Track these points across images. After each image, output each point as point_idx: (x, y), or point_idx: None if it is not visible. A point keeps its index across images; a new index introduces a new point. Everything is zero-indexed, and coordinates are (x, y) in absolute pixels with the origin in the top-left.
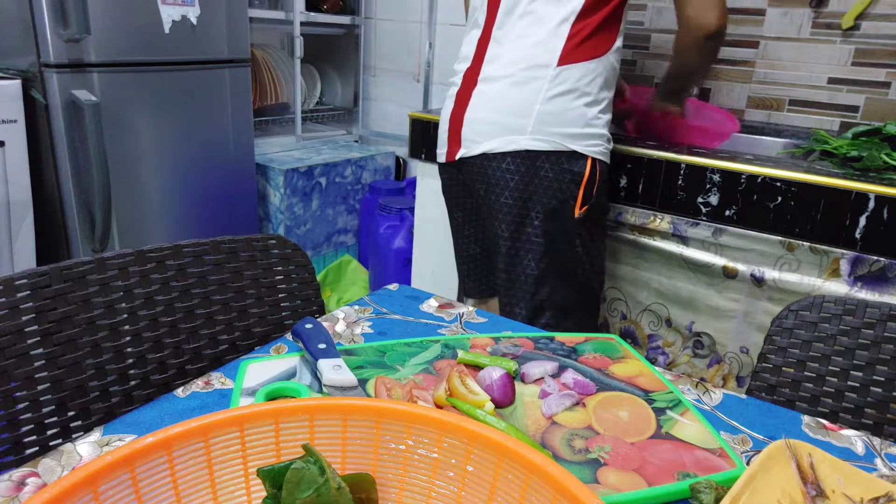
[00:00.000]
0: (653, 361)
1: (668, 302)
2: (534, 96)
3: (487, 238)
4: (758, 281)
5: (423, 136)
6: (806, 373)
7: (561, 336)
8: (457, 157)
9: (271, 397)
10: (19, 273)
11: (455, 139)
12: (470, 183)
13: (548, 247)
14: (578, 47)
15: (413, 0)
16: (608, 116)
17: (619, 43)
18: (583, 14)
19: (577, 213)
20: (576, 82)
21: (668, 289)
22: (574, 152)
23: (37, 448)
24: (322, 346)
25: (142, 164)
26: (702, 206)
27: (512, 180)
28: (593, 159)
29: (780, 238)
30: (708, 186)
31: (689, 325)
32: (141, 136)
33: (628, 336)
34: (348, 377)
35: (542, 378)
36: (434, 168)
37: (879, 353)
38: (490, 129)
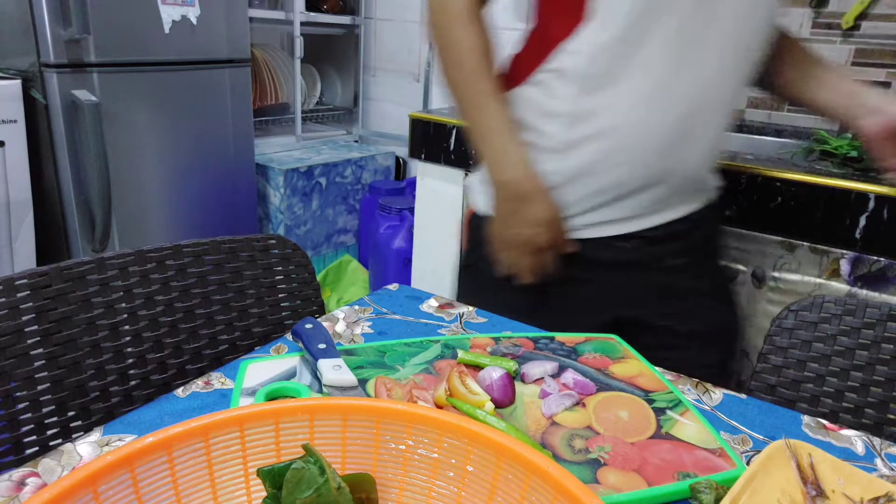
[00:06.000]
0: None
1: None
2: None
3: None
4: (758, 281)
5: (423, 136)
6: (806, 373)
7: (561, 336)
8: None
9: (271, 397)
10: (19, 273)
11: None
12: None
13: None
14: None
15: (413, 0)
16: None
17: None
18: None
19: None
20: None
21: None
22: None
23: (37, 448)
24: (322, 346)
25: (142, 164)
26: None
27: None
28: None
29: (780, 238)
30: None
31: None
32: (141, 136)
33: None
34: (348, 377)
35: (542, 378)
36: (434, 168)
37: (879, 353)
38: None
